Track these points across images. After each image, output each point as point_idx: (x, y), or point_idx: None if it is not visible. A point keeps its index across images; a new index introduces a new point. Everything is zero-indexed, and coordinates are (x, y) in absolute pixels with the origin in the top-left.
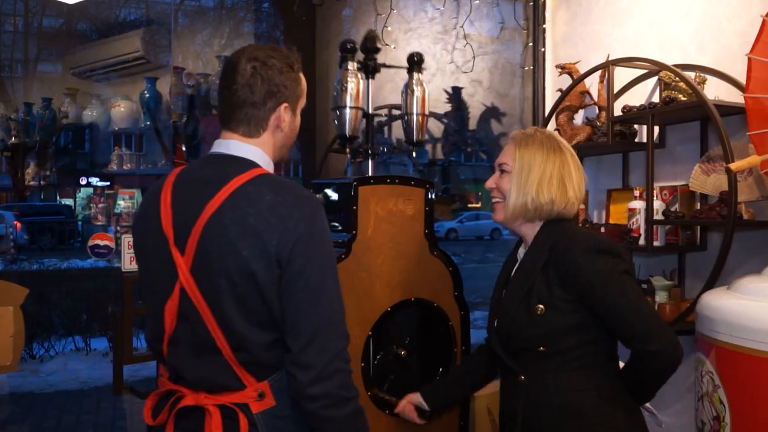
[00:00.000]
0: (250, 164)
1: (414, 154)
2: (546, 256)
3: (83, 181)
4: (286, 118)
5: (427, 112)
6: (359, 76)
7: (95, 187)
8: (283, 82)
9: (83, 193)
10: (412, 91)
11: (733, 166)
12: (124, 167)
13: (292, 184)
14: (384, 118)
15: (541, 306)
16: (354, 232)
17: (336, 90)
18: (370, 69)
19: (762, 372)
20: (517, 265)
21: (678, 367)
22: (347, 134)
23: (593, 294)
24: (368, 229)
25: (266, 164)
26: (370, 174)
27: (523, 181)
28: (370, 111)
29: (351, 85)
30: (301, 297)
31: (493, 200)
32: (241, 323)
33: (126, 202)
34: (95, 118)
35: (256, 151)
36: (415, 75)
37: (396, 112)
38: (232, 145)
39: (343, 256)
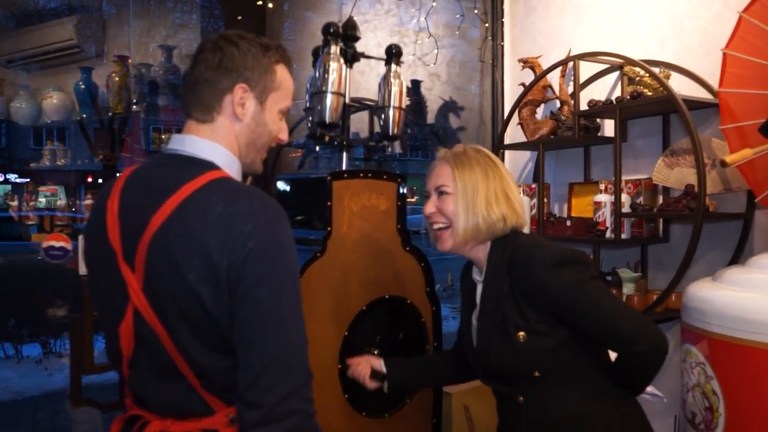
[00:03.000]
0: (206, 166)
1: (388, 150)
2: (507, 280)
3: (0, 177)
4: (248, 105)
5: (404, 106)
6: (341, 61)
7: (13, 184)
8: (243, 62)
9: (0, 190)
10: (390, 84)
11: (727, 159)
12: (58, 163)
13: (250, 190)
14: (362, 106)
15: (522, 333)
16: (329, 228)
17: (317, 74)
18: (348, 57)
19: (756, 362)
20: (479, 292)
21: (666, 358)
22: (327, 121)
23: (567, 310)
24: (343, 225)
25: (227, 163)
26: (344, 168)
27: (470, 202)
28: (348, 101)
29: (333, 70)
30: (249, 324)
31: (435, 227)
32: (198, 349)
33: (48, 199)
34: (24, 110)
35: (213, 147)
36: (393, 67)
37: (354, 105)
38: (188, 141)
39: (318, 254)
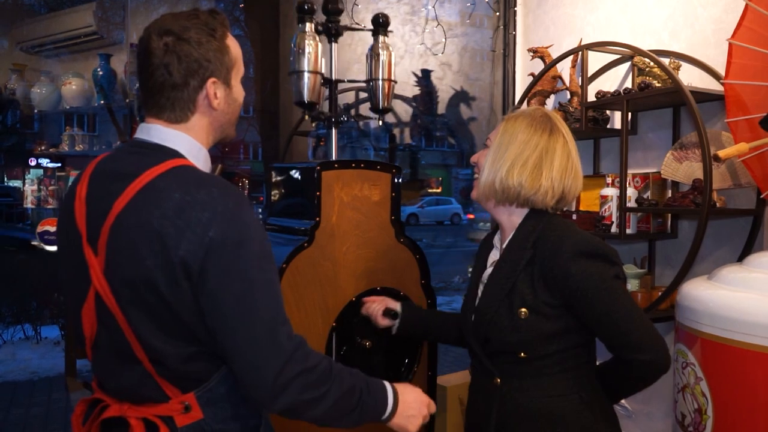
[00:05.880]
0: (170, 154)
1: (379, 123)
2: (530, 252)
3: (32, 162)
4: (219, 94)
5: (394, 78)
6: (318, 38)
7: (45, 169)
8: (204, 56)
9: (33, 174)
10: (378, 55)
11: (721, 153)
12: (77, 148)
13: (211, 178)
14: (354, 82)
15: (525, 310)
16: (317, 219)
17: (292, 54)
18: (332, 32)
19: (747, 365)
20: (495, 256)
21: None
22: (305, 100)
23: (583, 301)
24: (332, 215)
25: (193, 152)
26: (333, 150)
27: (497, 159)
28: (334, 77)
29: (308, 48)
30: (225, 314)
31: (474, 175)
32: (154, 335)
33: None
34: (44, 96)
35: (181, 137)
36: (381, 38)
37: (364, 94)
38: (153, 130)
39: (305, 245)
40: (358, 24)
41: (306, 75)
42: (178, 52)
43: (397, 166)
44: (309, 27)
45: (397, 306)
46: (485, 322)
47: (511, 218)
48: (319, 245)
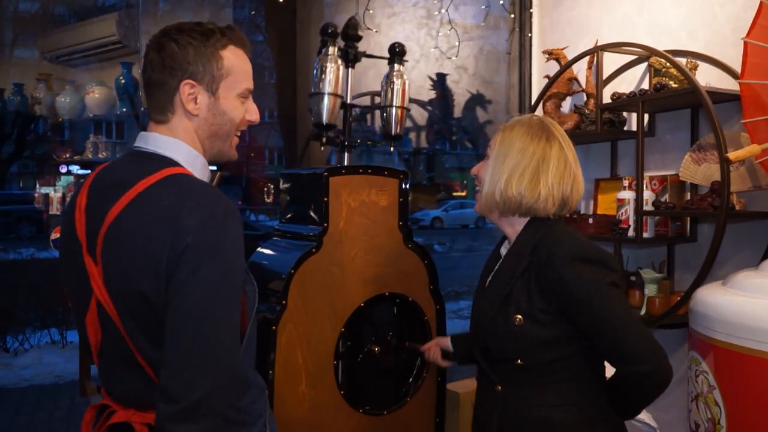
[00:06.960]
0: (166, 163)
1: (391, 149)
2: (527, 259)
3: (63, 169)
4: (200, 99)
5: (407, 105)
6: (339, 62)
7: (75, 176)
8: (185, 57)
9: (63, 181)
10: (392, 83)
11: (731, 155)
12: (100, 155)
13: (203, 186)
14: (366, 107)
15: (519, 316)
16: (325, 224)
17: (315, 76)
18: (350, 57)
19: (761, 374)
20: (498, 264)
21: (666, 389)
22: (324, 122)
23: (577, 308)
24: (340, 221)
25: (189, 160)
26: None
27: (496, 170)
28: (349, 101)
29: (330, 71)
30: (179, 317)
31: (476, 188)
32: (146, 343)
33: None
34: (70, 104)
35: (175, 144)
36: (396, 66)
37: (378, 99)
38: (151, 138)
39: (313, 250)
40: (370, 29)
41: (326, 97)
42: (163, 51)
43: (404, 171)
44: (332, 50)
45: (448, 344)
46: (483, 329)
47: (515, 228)
48: (327, 251)
